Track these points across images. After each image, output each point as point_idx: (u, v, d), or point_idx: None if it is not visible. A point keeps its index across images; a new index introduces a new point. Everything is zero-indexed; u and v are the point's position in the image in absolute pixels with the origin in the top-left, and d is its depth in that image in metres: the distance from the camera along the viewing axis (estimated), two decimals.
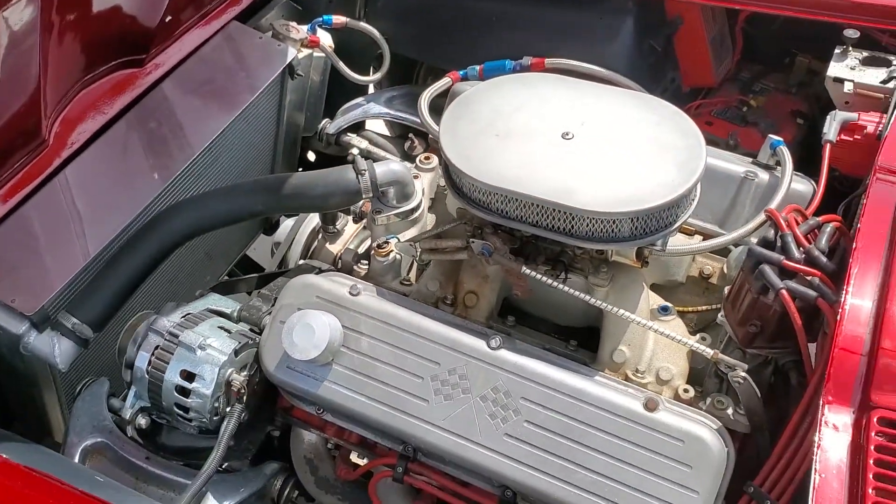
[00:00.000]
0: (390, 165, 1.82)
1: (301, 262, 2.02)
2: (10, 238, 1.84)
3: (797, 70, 2.59)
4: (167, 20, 2.16)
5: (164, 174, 2.03)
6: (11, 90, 1.81)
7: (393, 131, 2.98)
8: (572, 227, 1.53)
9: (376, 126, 2.83)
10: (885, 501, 1.17)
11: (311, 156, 2.83)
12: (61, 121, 2.03)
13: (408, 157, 2.54)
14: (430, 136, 2.14)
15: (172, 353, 1.62)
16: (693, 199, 1.60)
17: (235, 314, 1.75)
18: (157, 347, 1.63)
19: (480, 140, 1.61)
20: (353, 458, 1.85)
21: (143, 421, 1.67)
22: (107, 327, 1.80)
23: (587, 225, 1.52)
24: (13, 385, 1.94)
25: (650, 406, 1.49)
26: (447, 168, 1.67)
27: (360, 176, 1.78)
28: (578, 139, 1.60)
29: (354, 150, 2.52)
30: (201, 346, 1.61)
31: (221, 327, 1.67)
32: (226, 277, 2.55)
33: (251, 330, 1.72)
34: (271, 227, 2.74)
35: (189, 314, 1.69)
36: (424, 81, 2.93)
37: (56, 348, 1.74)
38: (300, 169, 2.74)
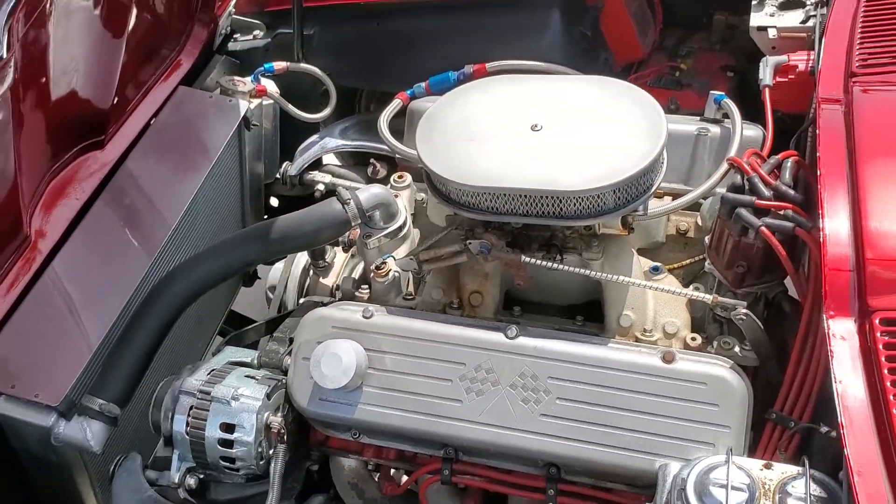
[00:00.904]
0: (372, 190, 1.89)
1: (302, 300, 2.08)
2: (16, 337, 1.87)
3: (717, 27, 2.74)
4: (119, 98, 2.21)
5: (149, 247, 2.06)
6: None
7: (347, 162, 3.05)
8: (561, 209, 1.63)
9: (330, 161, 2.90)
10: None
11: (274, 201, 2.88)
12: (38, 214, 2.06)
13: (373, 181, 2.61)
14: (396, 155, 2.22)
15: (208, 410, 1.66)
16: (663, 162, 1.71)
17: (255, 361, 1.80)
18: (191, 408, 1.67)
19: (457, 147, 1.70)
20: (394, 473, 1.91)
21: (191, 481, 1.71)
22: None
23: (574, 204, 1.62)
24: (44, 480, 1.96)
25: (668, 358, 1.59)
26: (430, 180, 1.75)
27: (345, 206, 1.84)
28: (547, 129, 1.69)
29: (320, 187, 2.58)
30: (234, 397, 1.65)
31: (248, 376, 1.72)
32: (219, 337, 2.60)
33: (275, 373, 1.77)
34: (250, 279, 2.80)
35: (213, 370, 1.73)
36: (367, 108, 3.02)
37: (87, 432, 1.77)
38: (266, 216, 2.79)
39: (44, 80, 1.91)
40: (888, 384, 1.28)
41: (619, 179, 1.58)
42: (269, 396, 1.68)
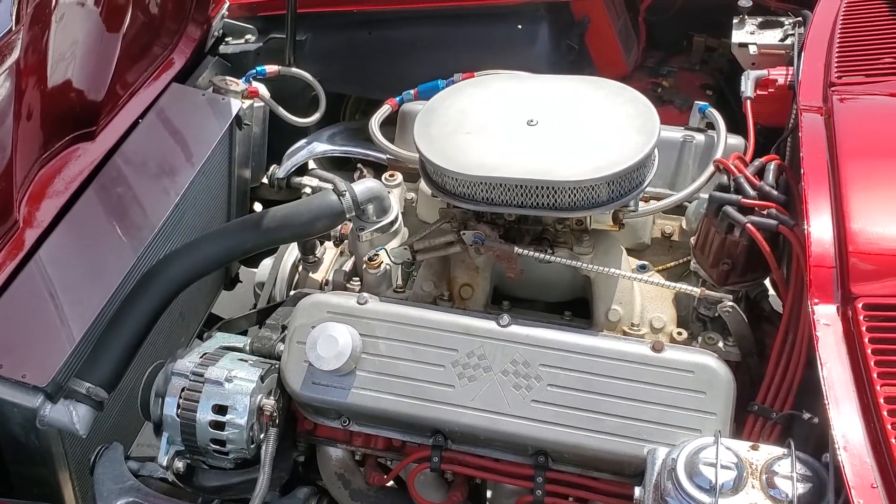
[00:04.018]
0: (366, 183, 1.93)
1: (292, 292, 2.09)
2: (4, 319, 1.85)
3: (696, 49, 2.84)
4: (113, 90, 2.22)
5: (137, 239, 2.07)
6: None
7: (330, 167, 3.08)
8: (555, 200, 1.67)
9: (315, 166, 2.93)
10: (886, 370, 1.33)
11: (258, 206, 2.90)
12: (27, 200, 2.05)
13: None
14: (387, 156, 2.26)
15: (200, 392, 1.65)
16: (654, 160, 1.76)
17: (248, 347, 1.80)
18: (183, 389, 1.66)
19: (454, 139, 1.74)
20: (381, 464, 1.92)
21: (180, 465, 1.70)
22: None
23: (569, 196, 1.66)
24: (21, 466, 1.93)
25: (657, 347, 1.63)
26: (426, 171, 1.78)
27: (341, 197, 1.88)
28: (543, 124, 1.75)
29: (307, 190, 2.60)
30: (228, 379, 1.65)
31: (241, 359, 1.72)
32: (198, 341, 2.59)
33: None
34: (231, 283, 2.80)
35: (206, 353, 1.73)
36: (353, 116, 3.06)
37: (74, 415, 1.76)
38: None
39: (43, 63, 1.92)
40: (871, 364, 1.34)
41: (614, 171, 1.63)
42: (262, 379, 1.68)
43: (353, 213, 1.90)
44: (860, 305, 1.41)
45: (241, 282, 2.85)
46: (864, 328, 1.38)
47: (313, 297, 1.77)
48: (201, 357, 1.73)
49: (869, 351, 1.35)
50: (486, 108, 1.81)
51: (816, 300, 1.47)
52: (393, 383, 1.67)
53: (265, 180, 2.71)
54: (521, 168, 1.66)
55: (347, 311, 1.72)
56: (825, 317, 1.45)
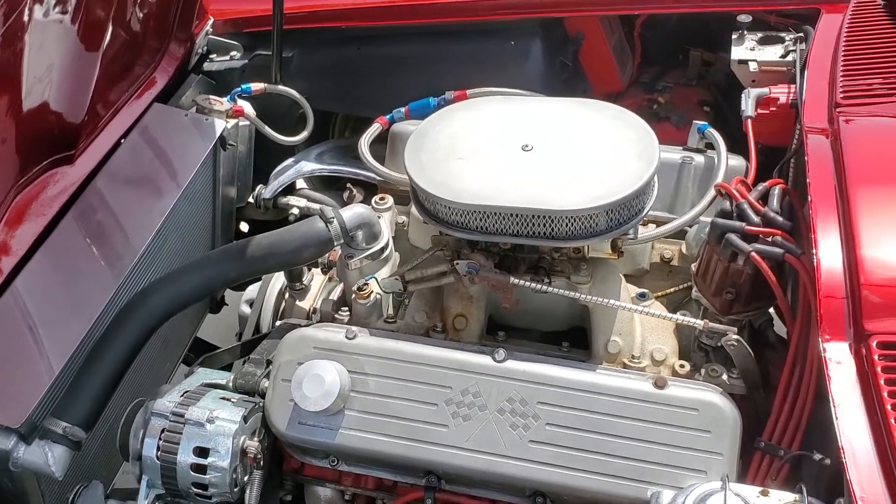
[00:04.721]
0: (355, 209, 1.85)
1: (278, 323, 2.02)
2: None
3: (693, 64, 2.77)
4: (92, 112, 2.14)
5: (117, 268, 1.98)
6: None
7: (318, 186, 3.00)
8: (552, 229, 1.60)
9: (303, 186, 2.85)
10: None
11: (244, 226, 2.82)
12: (3, 227, 1.96)
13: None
14: (378, 178, 2.18)
15: (181, 433, 1.58)
16: (654, 186, 1.69)
17: (231, 384, 1.73)
18: (163, 431, 1.59)
19: (447, 165, 1.67)
20: None
21: None
22: None
23: (567, 225, 1.59)
24: None
25: (659, 384, 1.56)
26: (418, 197, 1.71)
27: (329, 224, 1.80)
28: (538, 149, 1.67)
29: (295, 211, 2.53)
30: (209, 420, 1.58)
31: (223, 398, 1.64)
32: (184, 365, 2.51)
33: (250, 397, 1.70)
34: (217, 306, 2.72)
35: (186, 392, 1.66)
36: (342, 134, 2.99)
37: (49, 457, 1.67)
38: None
39: (17, 86, 1.83)
40: (888, 408, 1.27)
41: (613, 200, 1.56)
42: (245, 419, 1.61)
43: (342, 241, 1.82)
44: (874, 344, 1.34)
45: (227, 304, 2.77)
46: (879, 368, 1.31)
47: (299, 331, 1.69)
48: (182, 396, 1.65)
49: (885, 394, 1.28)
50: (480, 132, 1.74)
51: (828, 336, 1.40)
52: (383, 423, 1.59)
53: (251, 199, 2.63)
54: (517, 196, 1.59)
55: (335, 347, 1.65)
56: (837, 355, 1.38)
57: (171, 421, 1.60)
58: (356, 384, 1.61)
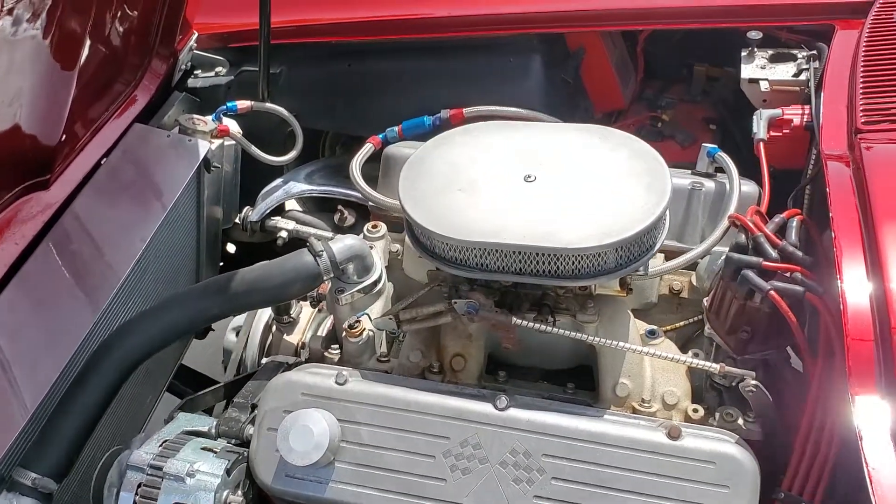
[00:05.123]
0: (346, 241, 1.74)
1: (264, 360, 1.91)
2: None
3: (697, 79, 2.67)
4: (68, 134, 2.03)
5: (94, 300, 1.87)
6: None
7: (311, 208, 2.90)
8: (558, 267, 1.49)
9: (293, 207, 2.73)
10: None
11: (231, 248, 2.71)
12: None
13: (339, 229, 2.46)
14: (370, 203, 2.07)
15: (159, 488, 1.47)
16: (666, 221, 1.59)
17: (213, 430, 1.62)
18: (140, 485, 1.48)
19: (444, 197, 1.56)
20: None
21: None
22: None
23: (573, 263, 1.48)
24: None
25: (673, 434, 1.45)
26: (413, 231, 1.60)
27: (317, 258, 1.69)
28: (542, 180, 1.57)
29: (283, 234, 2.42)
30: (190, 474, 1.47)
31: (205, 448, 1.53)
32: (168, 393, 2.40)
33: (235, 444, 1.59)
34: (204, 331, 2.60)
35: (165, 441, 1.55)
36: (332, 152, 2.87)
37: None
38: (221, 263, 2.62)
39: None
40: None
41: (623, 237, 1.46)
42: (228, 472, 1.50)
43: (332, 275, 1.71)
44: None
45: (213, 329, 2.65)
46: None
47: (286, 376, 1.58)
48: (160, 446, 1.54)
49: None
50: (479, 161, 1.63)
51: (857, 389, 1.30)
52: (376, 476, 1.48)
53: (238, 221, 2.52)
54: (520, 232, 1.48)
55: (324, 394, 1.53)
56: (869, 410, 1.27)
57: (148, 475, 1.50)
58: (347, 434, 1.50)
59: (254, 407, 1.64)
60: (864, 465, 1.22)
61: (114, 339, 1.67)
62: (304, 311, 2.00)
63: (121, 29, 2.19)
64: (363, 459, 1.49)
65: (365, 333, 1.70)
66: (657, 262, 1.76)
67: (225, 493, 1.48)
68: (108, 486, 1.52)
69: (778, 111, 1.99)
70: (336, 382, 1.55)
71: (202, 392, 1.83)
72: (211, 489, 1.47)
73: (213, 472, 1.48)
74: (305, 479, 1.50)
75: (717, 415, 1.60)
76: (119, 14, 2.12)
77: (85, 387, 1.62)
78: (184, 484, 1.47)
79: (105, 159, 2.15)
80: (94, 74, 2.12)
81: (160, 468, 1.49)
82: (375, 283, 1.78)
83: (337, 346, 1.77)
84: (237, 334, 2.10)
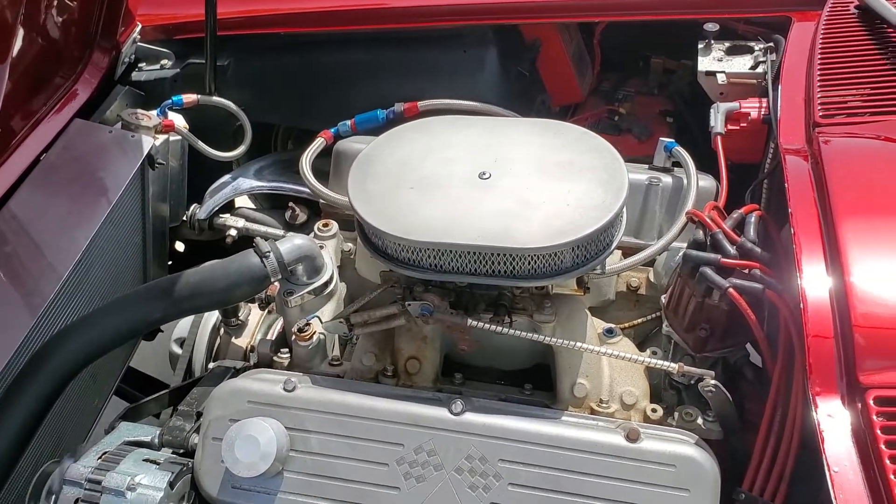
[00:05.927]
0: (294, 241, 1.67)
1: (211, 365, 1.84)
2: None
3: (654, 72, 2.65)
4: (2, 130, 1.93)
5: (33, 303, 1.79)
6: None
7: (262, 205, 2.82)
8: (513, 268, 1.45)
9: (243, 203, 2.66)
10: None
11: (180, 246, 2.62)
12: None
13: (290, 227, 2.39)
14: (321, 201, 2.01)
15: (98, 503, 1.40)
16: (623, 218, 1.55)
17: (157, 440, 1.55)
18: (77, 501, 1.40)
19: (395, 196, 1.51)
20: None
21: None
22: None
23: (529, 263, 1.44)
24: None
25: (632, 436, 1.41)
26: (364, 231, 1.55)
27: (264, 259, 1.62)
28: (497, 177, 1.52)
29: (232, 232, 2.34)
30: (130, 488, 1.40)
31: (147, 459, 1.46)
32: (115, 397, 2.32)
33: (179, 454, 1.52)
34: (152, 333, 2.52)
35: (105, 453, 1.47)
36: (284, 146, 2.80)
37: None
38: (170, 262, 2.54)
39: None
40: (891, 476, 1.14)
41: (580, 236, 1.41)
42: (172, 485, 1.43)
43: (280, 276, 1.65)
44: (871, 401, 1.21)
45: (162, 331, 2.57)
46: (878, 430, 1.18)
47: (231, 383, 1.51)
48: (100, 458, 1.46)
49: (887, 460, 1.15)
50: (431, 157, 1.57)
51: (818, 389, 1.27)
52: (327, 486, 1.43)
53: (186, 218, 2.43)
54: (474, 232, 1.43)
55: (272, 401, 1.47)
56: (830, 411, 1.25)
57: (86, 489, 1.42)
58: (296, 443, 1.44)
59: (199, 415, 1.57)
60: (825, 465, 1.19)
61: (50, 345, 1.58)
62: (253, 314, 1.93)
63: (58, 19, 2.10)
64: (313, 469, 1.44)
65: (315, 337, 1.64)
66: (614, 260, 1.73)
67: None
68: (43, 501, 1.44)
69: (735, 104, 1.96)
70: (284, 389, 1.49)
71: (145, 399, 1.75)
72: (153, 503, 1.40)
73: (156, 486, 1.41)
74: (253, 491, 1.43)
75: (677, 414, 1.57)
76: (56, 3, 2.03)
77: (20, 396, 1.54)
78: (124, 498, 1.40)
79: (44, 155, 2.06)
80: (30, 67, 2.03)
81: (99, 482, 1.41)
82: (326, 284, 1.72)
83: (287, 349, 1.71)
84: (181, 345, 2.02)
